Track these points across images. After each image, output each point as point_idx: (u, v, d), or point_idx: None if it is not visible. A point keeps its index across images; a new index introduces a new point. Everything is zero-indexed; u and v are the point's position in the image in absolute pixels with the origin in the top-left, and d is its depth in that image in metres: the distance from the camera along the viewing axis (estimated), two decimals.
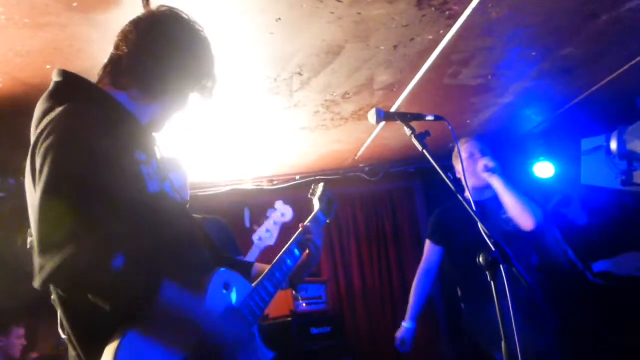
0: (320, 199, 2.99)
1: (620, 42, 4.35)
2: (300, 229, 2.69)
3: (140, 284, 1.71)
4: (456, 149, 4.40)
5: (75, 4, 3.09)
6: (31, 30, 3.29)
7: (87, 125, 1.79)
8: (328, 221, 2.99)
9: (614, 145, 5.35)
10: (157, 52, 2.01)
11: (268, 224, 4.41)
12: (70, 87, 1.96)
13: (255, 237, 4.38)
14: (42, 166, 1.71)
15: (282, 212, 4.44)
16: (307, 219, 2.82)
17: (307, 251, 2.66)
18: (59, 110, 1.82)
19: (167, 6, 2.12)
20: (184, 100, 2.15)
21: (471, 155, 4.35)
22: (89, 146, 1.74)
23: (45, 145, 1.73)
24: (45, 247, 1.63)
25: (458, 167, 4.46)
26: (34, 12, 3.13)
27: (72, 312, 1.80)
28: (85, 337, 1.78)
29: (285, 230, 4.14)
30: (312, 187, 3.06)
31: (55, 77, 1.98)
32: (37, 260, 1.64)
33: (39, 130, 1.80)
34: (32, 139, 1.83)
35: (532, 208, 4.07)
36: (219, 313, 2.03)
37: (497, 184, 4.14)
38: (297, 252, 2.61)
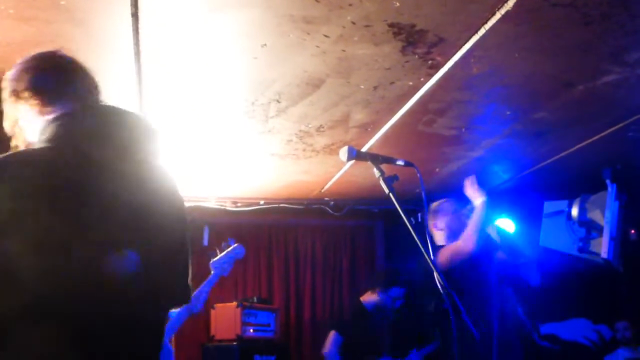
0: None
1: (593, 112, 4.46)
2: None
3: None
4: (439, 206, 4.53)
5: (63, 2, 3.07)
6: (15, 21, 3.25)
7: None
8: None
9: (575, 211, 5.45)
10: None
11: (227, 258, 4.56)
12: None
13: (215, 265, 4.49)
14: None
15: (237, 251, 4.65)
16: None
17: None
18: None
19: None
20: None
21: (455, 211, 4.48)
22: None
23: None
24: None
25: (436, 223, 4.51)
26: (20, 4, 3.10)
27: None
28: None
29: None
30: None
31: None
32: None
33: None
34: None
35: (481, 237, 4.14)
36: None
37: (482, 205, 4.22)
38: None
